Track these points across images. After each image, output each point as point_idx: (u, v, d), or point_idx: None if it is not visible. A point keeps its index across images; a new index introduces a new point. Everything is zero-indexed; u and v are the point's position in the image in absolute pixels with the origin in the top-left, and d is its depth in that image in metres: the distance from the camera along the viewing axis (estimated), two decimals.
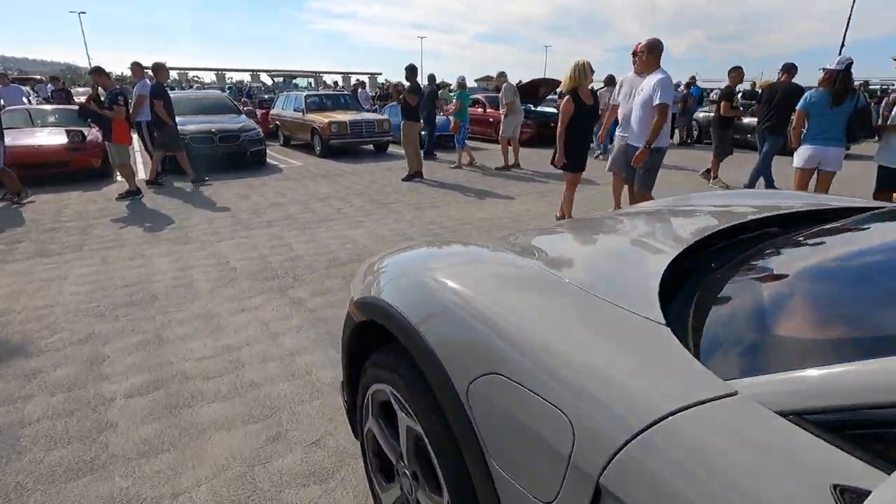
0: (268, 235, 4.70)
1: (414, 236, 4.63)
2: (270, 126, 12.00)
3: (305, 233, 4.78)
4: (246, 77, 46.01)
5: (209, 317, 3.03)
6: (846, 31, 25.55)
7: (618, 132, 4.89)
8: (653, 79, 4.02)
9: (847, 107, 4.35)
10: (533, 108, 12.19)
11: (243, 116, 9.44)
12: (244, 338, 2.77)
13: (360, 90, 15.57)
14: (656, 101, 3.92)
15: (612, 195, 5.33)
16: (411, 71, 7.55)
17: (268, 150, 9.12)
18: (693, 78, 13.26)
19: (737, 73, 6.28)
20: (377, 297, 1.29)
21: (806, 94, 4.56)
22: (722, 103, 6.37)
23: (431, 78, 9.60)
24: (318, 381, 2.36)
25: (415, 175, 7.53)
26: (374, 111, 13.09)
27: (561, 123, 4.57)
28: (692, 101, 12.56)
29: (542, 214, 5.52)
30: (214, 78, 45.83)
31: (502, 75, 8.89)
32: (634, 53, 4.53)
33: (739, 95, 11.43)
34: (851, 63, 4.27)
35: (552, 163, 4.85)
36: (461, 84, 9.33)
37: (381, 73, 41.57)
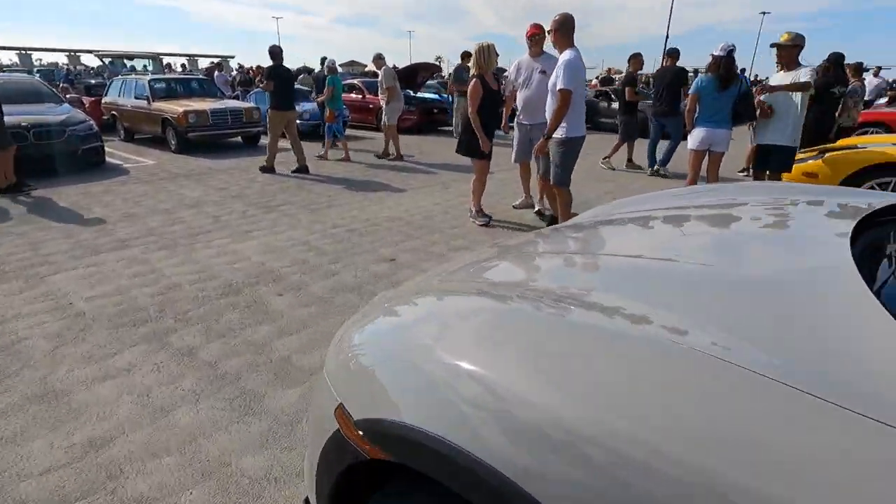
0: (125, 260, 3.65)
1: (321, 246, 3.95)
2: (105, 117, 9.96)
3: (177, 252, 3.82)
4: (61, 59, 38.65)
5: (53, 397, 2.12)
6: (669, 24, 29.21)
7: (517, 120, 4.66)
8: (560, 60, 3.75)
9: (733, 91, 4.61)
10: (413, 94, 11.77)
11: (66, 106, 7.56)
12: (114, 424, 1.96)
13: (216, 73, 13.71)
14: (559, 86, 3.64)
15: (520, 184, 5.16)
16: (274, 54, 6.59)
17: (106, 148, 7.45)
18: None
19: (636, 60, 6.55)
20: (412, 424, 0.76)
21: (697, 78, 4.77)
22: (626, 89, 6.57)
23: (325, 62, 8.56)
24: (246, 477, 1.70)
25: (300, 170, 6.70)
26: (235, 98, 11.58)
27: (471, 108, 4.22)
28: None
29: (453, 208, 5.15)
30: (16, 59, 37.72)
31: (380, 58, 8.26)
32: (530, 37, 4.33)
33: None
34: (734, 49, 4.54)
35: (458, 150, 4.52)
36: (332, 69, 8.44)
37: (233, 56, 37.55)
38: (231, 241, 4.09)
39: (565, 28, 3.84)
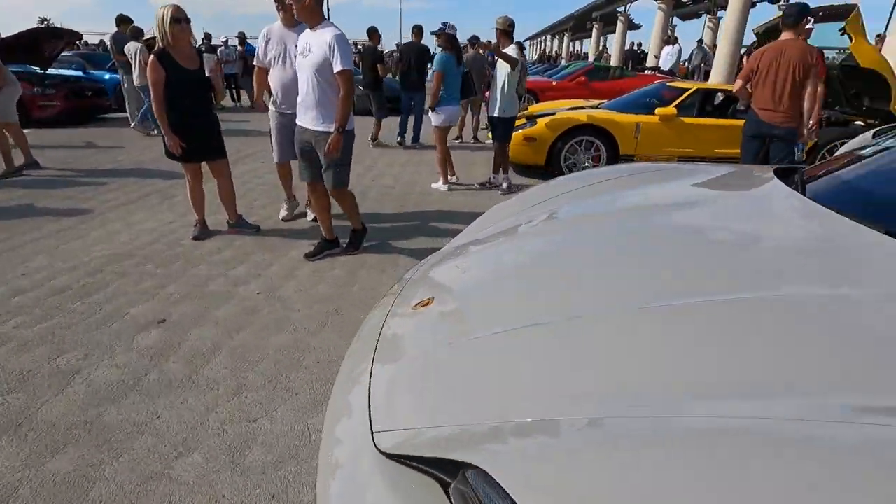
0: None
1: (14, 333, 2.40)
2: None
3: None
4: None
5: None
6: None
7: (272, 108, 3.79)
8: (324, 35, 2.90)
9: (462, 68, 4.93)
10: (43, 73, 8.51)
11: None
12: None
13: None
14: (340, 66, 2.89)
15: (281, 187, 4.28)
16: None
17: None
18: (243, 34, 12.48)
19: (377, 35, 6.31)
20: None
21: (439, 56, 4.87)
22: (378, 66, 6.30)
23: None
24: None
25: None
26: None
27: (154, 100, 3.23)
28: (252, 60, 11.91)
29: (171, 232, 3.94)
30: None
31: None
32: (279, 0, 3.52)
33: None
34: (454, 27, 4.82)
35: (166, 154, 3.43)
36: None
37: None
38: None
39: None
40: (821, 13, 6.93)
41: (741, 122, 5.07)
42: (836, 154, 1.89)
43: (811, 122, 3.78)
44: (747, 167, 2.28)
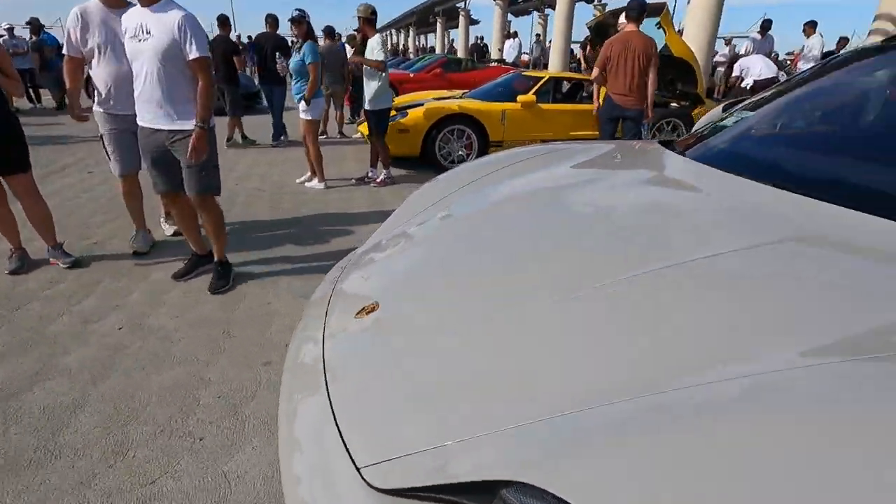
0: None
1: None
2: None
3: None
4: None
5: None
6: None
7: (99, 110, 3.00)
8: (169, 15, 2.42)
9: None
10: None
11: None
12: None
13: None
14: (196, 54, 2.44)
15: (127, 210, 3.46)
16: None
17: None
18: (36, 20, 10.35)
19: (227, 24, 5.59)
20: None
21: (310, 45, 4.55)
22: (235, 59, 5.58)
23: None
24: None
25: None
26: None
27: None
28: (50, 52, 9.96)
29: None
30: None
31: None
32: None
33: None
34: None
35: None
36: None
37: None
38: None
39: None
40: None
41: (589, 107, 5.61)
42: (696, 127, 2.15)
43: (649, 104, 4.34)
44: (629, 142, 2.48)
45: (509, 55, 15.66)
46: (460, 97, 6.24)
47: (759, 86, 7.45)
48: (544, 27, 24.32)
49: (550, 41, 15.19)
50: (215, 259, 2.84)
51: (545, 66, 14.57)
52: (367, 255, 1.55)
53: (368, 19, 4.46)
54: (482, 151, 5.62)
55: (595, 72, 4.42)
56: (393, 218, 1.84)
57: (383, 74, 4.47)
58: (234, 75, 6.12)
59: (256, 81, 8.52)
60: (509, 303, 1.01)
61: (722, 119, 1.96)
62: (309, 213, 4.15)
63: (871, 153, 1.41)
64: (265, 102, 6.79)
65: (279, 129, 6.77)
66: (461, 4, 24.81)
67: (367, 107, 4.64)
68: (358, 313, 1.17)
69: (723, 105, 2.23)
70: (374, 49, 4.41)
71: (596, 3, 19.23)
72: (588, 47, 9.09)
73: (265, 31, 6.02)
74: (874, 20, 7.81)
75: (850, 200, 1.07)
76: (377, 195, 4.70)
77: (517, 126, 5.62)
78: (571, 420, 0.70)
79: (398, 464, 0.76)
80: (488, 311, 1.00)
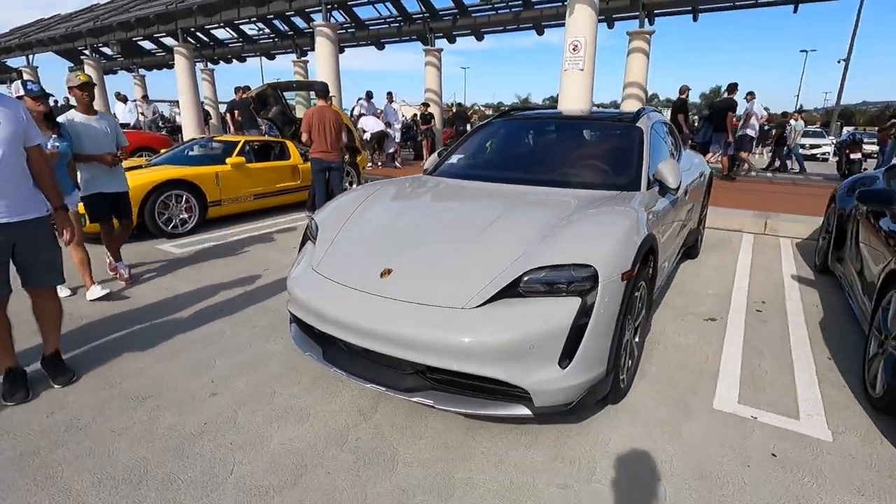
0: None
1: None
2: None
3: None
4: None
5: None
6: None
7: None
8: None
9: None
10: None
11: None
12: None
13: None
14: (35, 141, 2.42)
15: None
16: None
17: None
18: None
19: None
20: None
21: None
22: None
23: None
24: None
25: None
26: None
27: None
28: None
29: None
30: None
31: None
32: None
33: None
34: None
35: None
36: None
37: None
38: None
39: None
40: (294, 84, 9.47)
41: (286, 163, 6.84)
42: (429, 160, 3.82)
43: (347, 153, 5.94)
44: (420, 176, 3.83)
45: (126, 118, 14.46)
46: (148, 165, 6.25)
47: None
48: (142, 87, 22.86)
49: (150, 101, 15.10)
50: (54, 350, 2.68)
51: (163, 129, 14.46)
52: (329, 251, 2.45)
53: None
54: (203, 212, 5.93)
55: (304, 136, 5.66)
56: (322, 238, 2.69)
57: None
58: None
59: None
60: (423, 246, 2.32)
61: (445, 158, 3.68)
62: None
63: (523, 163, 3.38)
64: None
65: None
66: (21, 61, 20.45)
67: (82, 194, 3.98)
68: (382, 274, 2.20)
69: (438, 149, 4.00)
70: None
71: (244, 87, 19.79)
72: (236, 112, 10.05)
73: None
74: (624, 88, 11.48)
75: (521, 182, 2.91)
76: (161, 285, 4.29)
77: (232, 185, 6.20)
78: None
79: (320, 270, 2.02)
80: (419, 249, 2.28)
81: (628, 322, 2.37)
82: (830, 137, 21.08)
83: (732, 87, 9.27)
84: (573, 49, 7.26)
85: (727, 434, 2.23)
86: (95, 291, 3.75)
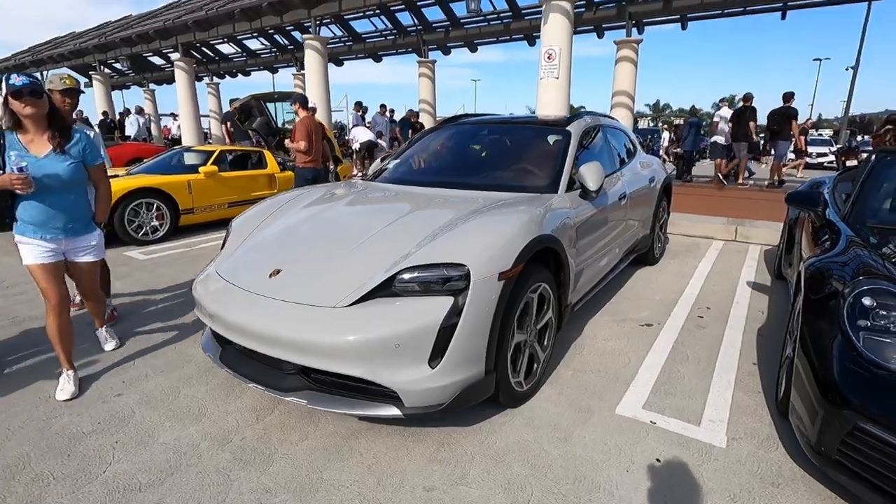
0: None
1: None
2: None
3: None
4: None
5: None
6: None
7: None
8: None
9: None
10: None
11: None
12: None
13: None
14: None
15: None
16: None
17: None
18: None
19: None
20: None
21: None
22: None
23: None
24: None
25: None
26: None
27: None
28: None
29: None
30: None
31: None
32: None
33: None
34: None
35: None
36: None
37: None
38: None
39: None
40: (276, 96, 9.67)
41: (262, 172, 6.92)
42: (371, 169, 3.85)
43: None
44: (353, 181, 3.89)
45: (132, 131, 14.87)
46: (127, 174, 6.39)
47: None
48: (153, 101, 23.47)
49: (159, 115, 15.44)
50: None
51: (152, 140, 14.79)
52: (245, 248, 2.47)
53: None
54: (175, 220, 6.03)
55: (304, 144, 5.53)
56: (230, 242, 2.74)
57: None
58: None
59: None
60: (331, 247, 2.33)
61: (386, 164, 3.71)
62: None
63: (452, 167, 3.39)
64: None
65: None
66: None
67: None
68: (271, 275, 2.21)
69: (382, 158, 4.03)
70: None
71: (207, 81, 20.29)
72: (229, 123, 10.25)
73: None
74: (612, 96, 11.44)
75: (444, 185, 2.92)
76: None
77: (204, 193, 6.30)
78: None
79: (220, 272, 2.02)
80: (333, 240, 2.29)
81: (525, 323, 2.34)
82: (838, 146, 20.74)
83: (788, 96, 9.24)
84: (548, 58, 7.28)
85: (618, 440, 2.18)
86: None
